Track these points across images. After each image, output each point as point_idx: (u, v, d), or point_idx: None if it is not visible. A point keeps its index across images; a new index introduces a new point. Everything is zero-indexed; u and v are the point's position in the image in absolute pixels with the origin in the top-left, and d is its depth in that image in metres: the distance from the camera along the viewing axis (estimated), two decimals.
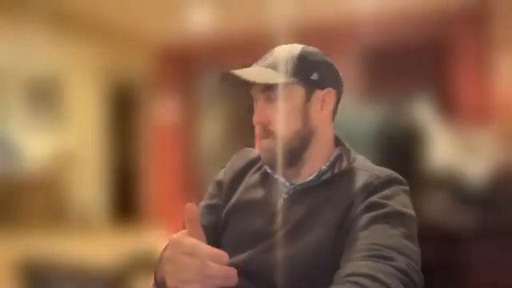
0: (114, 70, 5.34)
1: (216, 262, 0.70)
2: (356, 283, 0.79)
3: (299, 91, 0.99)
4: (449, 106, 4.20)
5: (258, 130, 1.01)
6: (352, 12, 4.22)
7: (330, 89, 1.01)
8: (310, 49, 1.02)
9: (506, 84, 3.93)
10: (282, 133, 0.99)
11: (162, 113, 5.73)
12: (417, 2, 4.18)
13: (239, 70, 0.99)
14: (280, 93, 0.99)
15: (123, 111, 5.62)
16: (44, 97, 4.79)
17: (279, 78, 0.98)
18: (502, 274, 2.41)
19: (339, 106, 1.07)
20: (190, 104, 5.78)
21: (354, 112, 3.51)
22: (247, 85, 1.01)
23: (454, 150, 3.26)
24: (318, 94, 1.01)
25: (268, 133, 0.99)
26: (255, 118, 1.00)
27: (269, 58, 1.01)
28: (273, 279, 0.93)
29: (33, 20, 4.34)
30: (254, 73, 0.99)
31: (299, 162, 1.01)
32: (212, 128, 5.76)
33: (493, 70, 4.11)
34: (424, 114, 3.57)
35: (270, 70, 0.99)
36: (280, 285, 0.93)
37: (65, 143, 4.96)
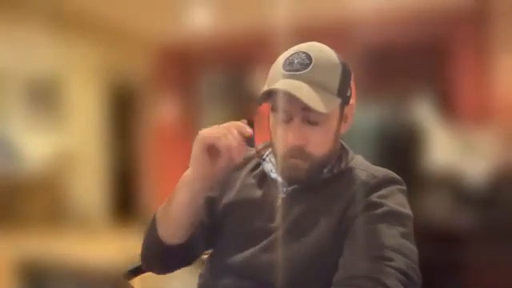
0: (114, 70, 5.34)
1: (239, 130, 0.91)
2: (357, 286, 0.79)
3: (338, 110, 0.96)
4: (449, 106, 4.19)
5: (288, 150, 0.94)
6: (352, 12, 4.21)
7: (352, 102, 0.99)
8: (341, 57, 0.96)
9: (506, 84, 3.93)
10: (319, 155, 0.95)
11: (161, 113, 5.72)
12: (417, 2, 4.18)
13: (288, 86, 0.89)
14: (324, 117, 0.92)
15: (123, 111, 5.62)
16: (44, 97, 4.79)
17: (332, 102, 0.92)
18: (502, 274, 2.40)
19: None
20: (190, 104, 5.78)
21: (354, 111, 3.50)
22: (296, 103, 0.90)
23: (453, 150, 3.26)
24: (346, 108, 0.99)
25: (303, 154, 0.94)
26: (291, 140, 0.92)
27: (309, 65, 0.91)
28: (271, 278, 0.93)
29: (32, 20, 4.34)
30: (306, 93, 0.89)
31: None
32: None
33: (493, 71, 4.10)
34: (424, 113, 3.56)
35: (319, 89, 0.90)
36: (278, 284, 0.93)
37: (65, 143, 4.95)
